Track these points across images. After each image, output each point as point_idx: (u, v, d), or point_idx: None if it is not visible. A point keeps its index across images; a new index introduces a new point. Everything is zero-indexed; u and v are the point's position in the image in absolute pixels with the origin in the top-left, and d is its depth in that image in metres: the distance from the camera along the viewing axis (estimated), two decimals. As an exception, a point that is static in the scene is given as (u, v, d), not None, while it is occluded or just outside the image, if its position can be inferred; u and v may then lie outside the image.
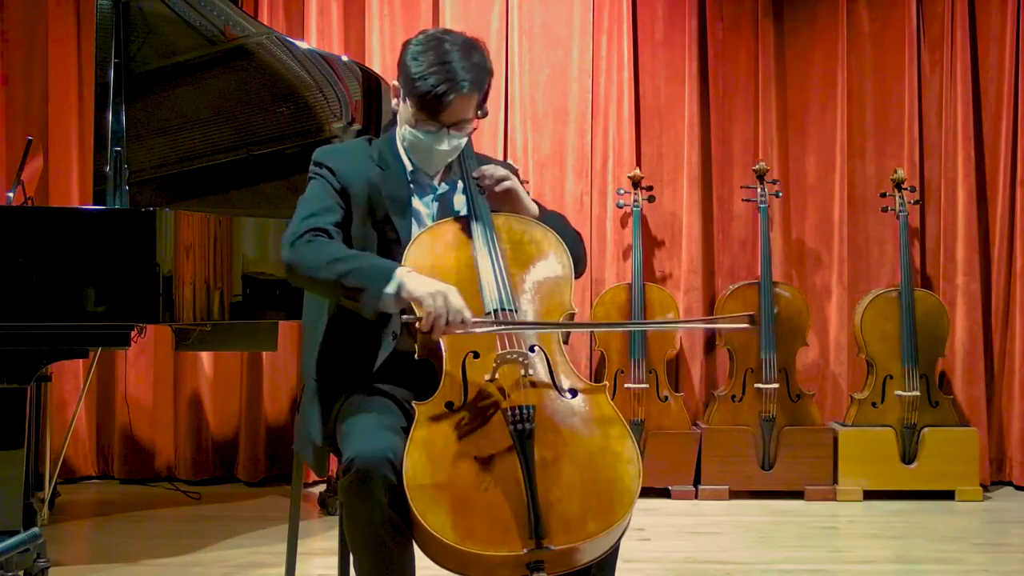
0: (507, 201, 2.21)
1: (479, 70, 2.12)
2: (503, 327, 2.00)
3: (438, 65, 2.08)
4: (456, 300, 1.93)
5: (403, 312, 1.97)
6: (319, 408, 2.20)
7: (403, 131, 2.21)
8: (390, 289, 1.96)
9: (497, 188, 2.19)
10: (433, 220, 2.24)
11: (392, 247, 2.17)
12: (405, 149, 2.24)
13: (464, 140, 2.20)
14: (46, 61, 4.73)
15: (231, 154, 3.75)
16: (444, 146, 2.17)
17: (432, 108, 2.10)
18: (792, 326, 4.54)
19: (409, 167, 2.25)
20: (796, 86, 4.89)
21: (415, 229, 2.20)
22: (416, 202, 2.25)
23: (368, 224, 2.18)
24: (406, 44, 2.17)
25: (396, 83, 2.20)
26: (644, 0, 4.86)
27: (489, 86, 2.18)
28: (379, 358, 2.14)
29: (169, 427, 4.75)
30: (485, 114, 2.27)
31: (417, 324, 1.94)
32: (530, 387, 1.96)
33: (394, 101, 2.23)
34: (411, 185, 2.24)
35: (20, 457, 2.92)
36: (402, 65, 2.15)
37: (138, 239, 3.00)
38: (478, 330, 1.96)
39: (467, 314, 1.93)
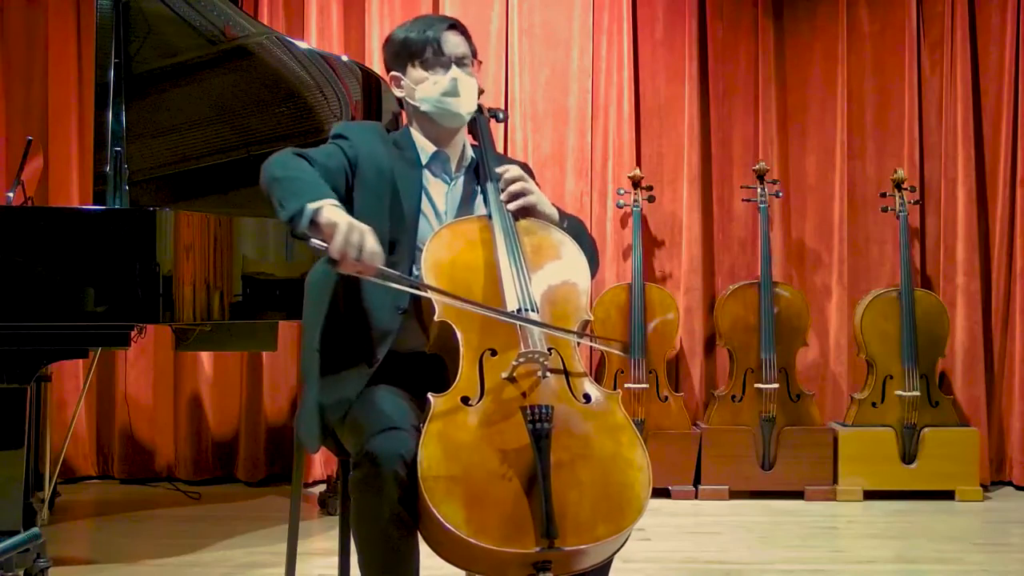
0: (527, 212, 2.24)
1: (456, 19, 2.33)
2: (417, 289, 2.01)
3: (419, 19, 2.33)
4: (371, 242, 1.92)
5: (311, 239, 1.94)
6: (332, 380, 2.18)
7: (417, 101, 2.26)
8: (312, 206, 1.93)
9: (512, 206, 2.20)
10: (446, 207, 2.27)
11: (400, 228, 2.18)
12: (426, 118, 2.28)
13: (475, 82, 2.28)
14: (46, 61, 4.73)
15: (231, 154, 3.75)
16: (459, 76, 2.24)
17: (433, 45, 2.24)
18: (792, 326, 4.54)
19: (429, 149, 2.28)
20: (796, 86, 4.89)
21: (424, 216, 2.23)
22: (430, 187, 2.27)
23: (378, 201, 2.19)
24: (388, 36, 2.35)
25: (393, 72, 2.31)
26: (644, 0, 4.87)
27: (471, 40, 2.32)
28: (384, 335, 2.14)
29: (169, 427, 4.76)
30: (505, 118, 2.38)
31: (327, 251, 1.91)
32: (547, 388, 1.96)
33: (398, 92, 2.31)
34: (425, 169, 2.27)
35: (20, 457, 2.91)
36: (392, 44, 2.32)
37: (138, 239, 2.99)
38: (387, 282, 1.97)
39: (379, 258, 1.92)
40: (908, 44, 4.79)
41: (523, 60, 4.80)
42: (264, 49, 3.76)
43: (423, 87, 2.25)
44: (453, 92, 2.24)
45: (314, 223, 1.93)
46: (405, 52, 2.28)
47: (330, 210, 1.94)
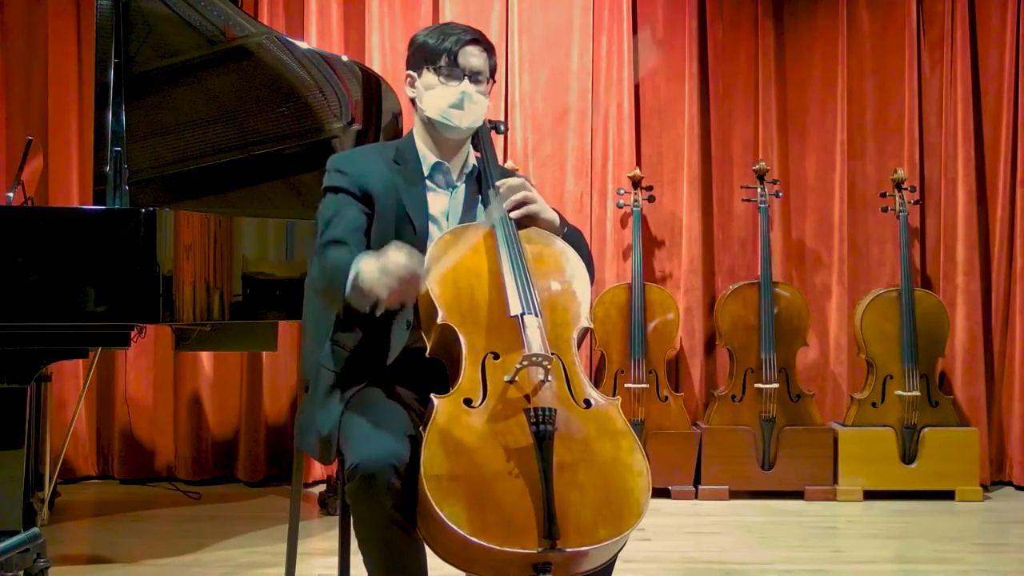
0: (529, 220, 2.25)
1: (483, 34, 2.31)
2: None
3: (446, 26, 2.33)
4: (399, 262, 1.84)
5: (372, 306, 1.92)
6: (339, 398, 2.17)
7: (423, 107, 2.27)
8: (348, 288, 1.92)
9: (515, 214, 2.20)
10: (448, 215, 2.28)
11: (410, 241, 2.17)
12: (430, 126, 2.28)
13: (485, 101, 2.27)
14: (46, 61, 4.73)
15: (231, 154, 3.75)
16: (468, 91, 2.23)
17: (449, 55, 2.23)
18: (792, 326, 4.54)
19: (431, 159, 2.29)
20: (796, 86, 4.89)
21: (432, 225, 2.24)
22: (432, 199, 2.28)
23: (388, 224, 2.20)
24: (414, 35, 2.34)
25: (409, 72, 2.31)
26: (644, 0, 4.87)
27: (494, 56, 2.32)
28: (393, 348, 2.16)
29: (169, 427, 4.75)
30: (505, 130, 2.37)
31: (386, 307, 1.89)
32: (549, 392, 1.98)
33: (410, 92, 2.32)
34: (427, 181, 2.29)
35: (20, 457, 2.92)
36: (414, 44, 2.31)
37: (138, 239, 2.99)
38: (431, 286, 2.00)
39: (419, 276, 1.87)
40: (908, 44, 4.79)
41: (523, 60, 4.79)
42: (264, 49, 3.76)
43: (431, 94, 2.25)
44: (459, 105, 2.24)
45: (356, 287, 1.90)
46: (421, 56, 2.27)
47: (360, 271, 1.89)
